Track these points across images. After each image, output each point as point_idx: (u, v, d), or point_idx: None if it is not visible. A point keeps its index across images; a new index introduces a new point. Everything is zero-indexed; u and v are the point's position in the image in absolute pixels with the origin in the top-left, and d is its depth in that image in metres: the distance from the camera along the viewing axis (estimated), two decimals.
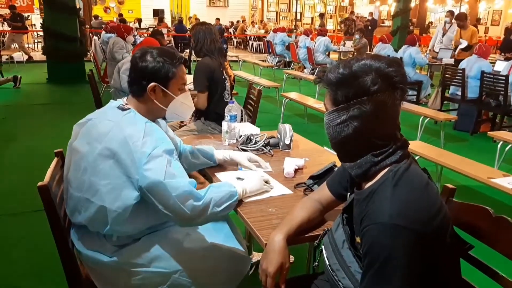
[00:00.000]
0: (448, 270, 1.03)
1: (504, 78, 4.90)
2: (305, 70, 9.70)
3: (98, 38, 9.89)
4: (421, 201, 0.93)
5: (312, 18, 21.40)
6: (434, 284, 0.95)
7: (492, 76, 5.17)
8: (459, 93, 5.56)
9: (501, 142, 3.76)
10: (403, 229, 0.87)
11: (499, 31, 17.19)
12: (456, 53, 7.32)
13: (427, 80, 7.38)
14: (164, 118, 1.55)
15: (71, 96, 7.11)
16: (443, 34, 8.43)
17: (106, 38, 8.59)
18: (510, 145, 3.63)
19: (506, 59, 7.71)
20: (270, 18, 20.66)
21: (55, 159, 1.56)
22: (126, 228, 1.36)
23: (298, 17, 19.02)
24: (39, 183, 1.28)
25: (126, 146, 1.29)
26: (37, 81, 8.24)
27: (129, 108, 1.42)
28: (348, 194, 1.20)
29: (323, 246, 1.18)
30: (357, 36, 9.76)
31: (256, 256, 2.23)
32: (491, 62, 6.19)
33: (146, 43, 3.80)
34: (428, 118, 4.67)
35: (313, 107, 5.12)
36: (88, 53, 9.79)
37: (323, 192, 1.34)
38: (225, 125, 2.23)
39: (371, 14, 14.80)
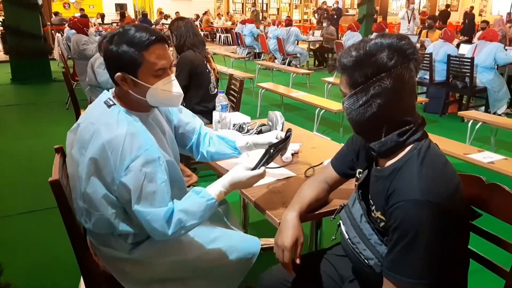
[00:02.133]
0: (462, 242, 1.13)
1: (469, 60, 5.14)
2: (276, 61, 9.78)
3: (61, 35, 9.58)
4: (445, 178, 1.00)
5: (278, 9, 21.46)
6: (452, 256, 1.04)
7: (458, 59, 5.41)
8: (427, 77, 5.79)
9: (471, 121, 3.97)
10: (434, 205, 0.94)
11: (458, 16, 17.86)
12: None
13: None
14: (154, 107, 1.40)
15: (38, 96, 6.89)
16: (409, 21, 8.72)
17: (71, 35, 8.32)
18: (479, 123, 3.84)
19: (467, 41, 8.08)
20: (236, 10, 20.56)
21: (57, 155, 1.54)
22: (135, 227, 1.34)
23: (264, 8, 19.05)
24: (50, 178, 1.27)
25: (105, 154, 1.21)
26: (0, 81, 7.91)
27: (113, 104, 1.31)
28: (358, 171, 1.26)
29: (340, 221, 1.24)
30: (325, 24, 9.94)
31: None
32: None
33: None
34: None
35: (289, 96, 5.20)
36: (53, 51, 9.46)
37: (328, 171, 1.40)
38: (216, 115, 2.25)
39: (336, 2, 15.02)
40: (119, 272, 1.40)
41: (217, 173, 1.77)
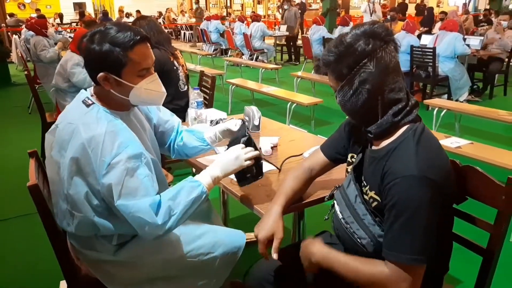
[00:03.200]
0: (449, 223, 1.18)
1: (431, 50, 5.32)
2: (243, 57, 9.77)
3: (19, 37, 9.17)
4: (440, 158, 1.04)
5: (242, 5, 21.43)
6: (441, 235, 1.07)
7: (420, 49, 5.59)
8: None
9: (436, 109, 4.12)
10: (431, 181, 0.97)
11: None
12: None
13: None
14: (135, 106, 1.39)
15: None
16: (371, 14, 8.92)
17: (29, 36, 7.98)
18: (444, 111, 3.99)
19: (426, 32, 8.35)
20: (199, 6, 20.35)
21: (32, 160, 1.49)
22: (118, 228, 1.32)
23: (228, 4, 18.97)
24: (29, 183, 1.23)
25: (85, 153, 1.19)
26: None
27: (92, 103, 1.28)
28: (350, 155, 1.30)
29: (334, 201, 1.27)
30: (286, 7, 10.05)
31: None
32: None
33: (78, 35, 3.62)
34: None
35: (261, 91, 5.22)
36: (11, 54, 9.05)
37: (315, 158, 1.42)
38: (192, 112, 2.23)
39: None
40: (105, 275, 1.38)
41: (197, 170, 1.75)
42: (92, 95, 1.32)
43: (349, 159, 1.31)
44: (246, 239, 1.60)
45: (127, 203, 1.19)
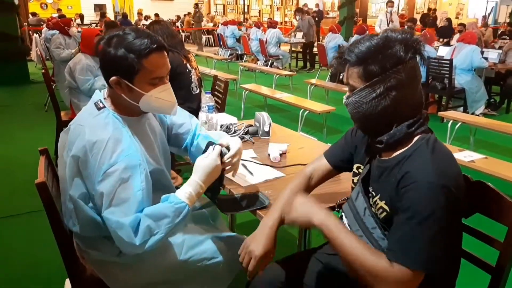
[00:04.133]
0: (459, 237, 1.16)
1: (448, 62, 5.26)
2: (258, 62, 9.79)
3: (39, 36, 9.36)
4: (455, 168, 1.02)
5: (259, 11, 21.53)
6: (452, 250, 1.06)
7: (437, 61, 5.53)
8: None
9: (451, 121, 4.06)
10: (448, 190, 0.96)
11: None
12: None
13: None
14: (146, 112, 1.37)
15: (16, 98, 6.71)
16: (388, 23, 8.87)
17: (50, 35, 8.16)
18: (459, 123, 3.93)
19: (445, 44, 8.27)
20: (217, 11, 20.52)
21: (42, 157, 1.51)
22: None
23: (246, 10, 19.07)
24: (36, 181, 1.25)
25: (85, 156, 1.20)
26: None
27: (103, 107, 1.29)
28: (356, 166, 1.27)
29: (343, 214, 1.24)
30: (298, 17, 10.10)
31: None
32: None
33: (86, 35, 3.68)
34: None
35: (273, 97, 5.22)
36: (31, 52, 9.25)
37: (319, 164, 1.39)
38: (203, 116, 2.24)
39: (317, 5, 15.18)
40: (108, 275, 1.38)
41: None
42: (105, 98, 1.33)
43: (355, 170, 1.28)
44: None
45: (111, 217, 1.17)
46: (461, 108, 5.62)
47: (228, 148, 1.43)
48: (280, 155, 1.89)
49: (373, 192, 1.15)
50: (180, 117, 1.59)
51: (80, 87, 3.54)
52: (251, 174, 1.69)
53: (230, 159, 1.41)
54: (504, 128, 3.61)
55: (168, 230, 1.22)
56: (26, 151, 4.06)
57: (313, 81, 6.28)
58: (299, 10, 10.45)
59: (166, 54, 1.28)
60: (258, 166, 1.77)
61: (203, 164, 1.30)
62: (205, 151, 1.37)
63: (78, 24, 14.04)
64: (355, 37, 7.68)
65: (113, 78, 1.23)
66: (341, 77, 7.64)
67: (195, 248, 1.45)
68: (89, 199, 1.26)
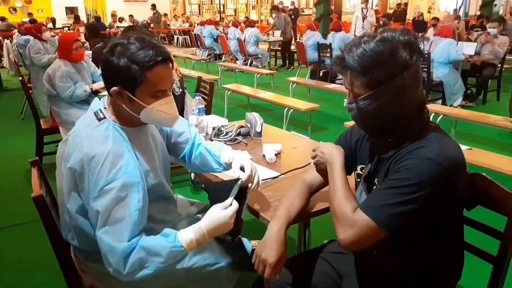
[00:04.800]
0: (458, 231, 1.17)
1: (426, 56, 5.36)
2: (237, 62, 9.77)
3: (10, 42, 9.07)
4: (459, 155, 1.03)
5: (235, 10, 21.47)
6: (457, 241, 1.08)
7: None
8: None
9: (433, 114, 4.14)
10: (444, 169, 0.97)
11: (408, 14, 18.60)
12: None
13: None
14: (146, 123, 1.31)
15: None
16: (363, 19, 8.97)
17: (22, 41, 7.91)
18: (441, 116, 4.01)
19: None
20: (192, 11, 20.36)
21: (34, 169, 1.46)
22: None
23: (221, 9, 18.99)
24: (33, 194, 1.21)
25: (82, 170, 1.15)
26: None
27: (104, 117, 1.23)
28: (360, 167, 1.26)
29: None
30: (274, 15, 10.12)
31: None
32: None
33: (63, 40, 3.57)
34: None
35: (257, 97, 5.21)
36: (2, 58, 8.95)
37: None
38: (193, 118, 2.22)
39: (292, 3, 15.22)
40: (111, 287, 1.34)
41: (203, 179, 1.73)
42: (105, 107, 1.27)
43: (358, 170, 1.28)
44: (252, 247, 1.58)
45: (104, 239, 1.14)
46: (440, 101, 5.74)
47: (242, 169, 1.37)
48: (276, 155, 1.88)
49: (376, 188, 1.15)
50: (180, 126, 1.54)
51: (61, 95, 3.43)
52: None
53: (251, 184, 1.37)
54: (484, 119, 3.70)
55: (157, 270, 1.18)
56: (5, 160, 3.93)
57: (295, 79, 6.30)
58: (275, 8, 10.48)
59: (171, 66, 1.23)
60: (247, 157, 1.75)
61: (217, 216, 1.23)
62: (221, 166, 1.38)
63: (50, 29, 13.69)
64: (331, 33, 7.75)
65: (115, 88, 1.19)
66: (321, 74, 7.70)
67: (197, 255, 1.43)
68: (86, 213, 1.22)
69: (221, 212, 1.23)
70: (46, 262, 2.28)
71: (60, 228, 1.32)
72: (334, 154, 1.21)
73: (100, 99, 1.30)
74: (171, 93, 1.27)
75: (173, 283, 1.40)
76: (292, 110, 4.55)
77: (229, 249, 1.50)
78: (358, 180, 1.27)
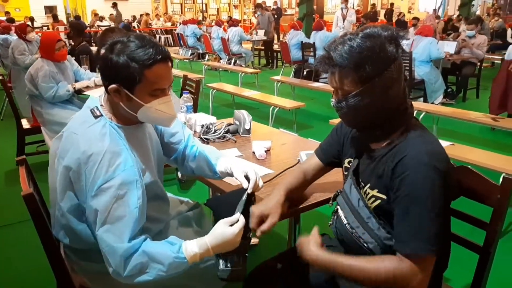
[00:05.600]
0: (448, 219, 1.20)
1: (408, 54, 5.46)
2: (221, 61, 9.75)
3: None
4: (442, 151, 1.07)
5: (218, 9, 21.41)
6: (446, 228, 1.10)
7: None
8: None
9: (415, 112, 4.22)
10: (439, 170, 1.00)
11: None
12: None
13: None
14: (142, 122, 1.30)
15: None
16: (343, 19, 9.07)
17: (0, 40, 7.75)
18: (423, 113, 4.09)
19: None
20: (174, 11, 20.21)
21: (21, 168, 1.43)
22: None
23: (204, 8, 18.89)
24: (23, 192, 1.18)
25: (79, 168, 1.14)
26: None
27: (100, 115, 1.22)
28: (347, 160, 1.29)
29: (338, 207, 1.27)
30: (258, 13, 10.15)
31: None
32: None
33: (45, 39, 3.51)
34: None
35: (242, 95, 5.21)
36: None
37: (310, 162, 1.42)
38: (182, 116, 2.21)
39: (275, 3, 15.30)
40: (103, 286, 1.33)
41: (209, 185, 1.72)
42: (101, 105, 1.25)
43: (346, 164, 1.30)
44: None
45: (105, 238, 1.13)
46: (421, 99, 5.85)
47: (247, 178, 1.34)
48: (266, 152, 1.90)
49: (362, 183, 1.18)
50: (173, 126, 1.52)
51: (44, 95, 3.37)
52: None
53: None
54: (465, 115, 3.80)
55: (157, 277, 1.16)
56: None
57: (279, 77, 6.33)
58: (258, 6, 10.51)
59: (170, 65, 1.21)
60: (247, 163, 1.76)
61: (222, 233, 1.18)
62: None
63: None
64: (313, 32, 7.80)
65: (113, 86, 1.17)
66: (305, 73, 7.75)
67: None
68: (81, 211, 1.21)
69: (227, 229, 1.18)
70: (34, 262, 2.24)
71: (50, 226, 1.30)
72: (319, 255, 1.12)
73: (91, 99, 1.28)
74: (169, 93, 1.26)
75: (166, 283, 1.38)
76: (277, 108, 4.57)
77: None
78: (346, 173, 1.29)
